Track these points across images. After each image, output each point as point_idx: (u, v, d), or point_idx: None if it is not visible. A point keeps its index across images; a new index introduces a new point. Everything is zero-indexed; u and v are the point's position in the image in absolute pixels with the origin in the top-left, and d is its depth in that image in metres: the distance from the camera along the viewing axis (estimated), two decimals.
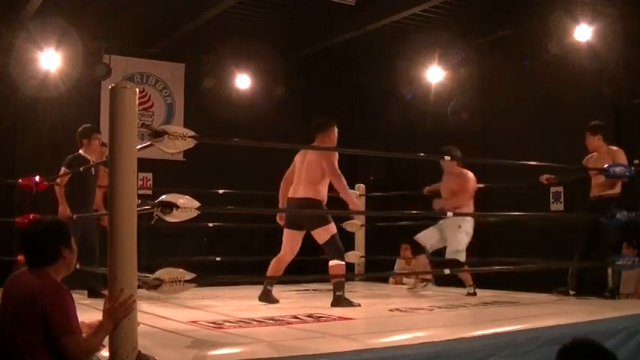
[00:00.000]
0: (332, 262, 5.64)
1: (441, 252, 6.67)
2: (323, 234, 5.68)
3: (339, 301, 5.43)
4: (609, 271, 6.24)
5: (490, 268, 6.20)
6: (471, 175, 6.70)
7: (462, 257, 6.52)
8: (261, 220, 9.42)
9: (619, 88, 7.96)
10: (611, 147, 6.19)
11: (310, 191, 5.71)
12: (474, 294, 6.38)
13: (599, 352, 2.36)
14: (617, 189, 6.11)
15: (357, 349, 3.43)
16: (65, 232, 3.15)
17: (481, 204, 7.27)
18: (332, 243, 5.67)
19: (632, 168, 5.81)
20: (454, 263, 6.35)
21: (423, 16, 9.43)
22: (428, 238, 6.71)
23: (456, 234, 6.54)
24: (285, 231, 5.91)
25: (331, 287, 5.61)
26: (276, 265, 5.84)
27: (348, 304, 5.43)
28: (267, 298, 5.66)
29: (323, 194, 5.75)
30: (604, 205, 6.06)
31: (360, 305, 5.48)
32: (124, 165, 3.12)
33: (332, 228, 5.71)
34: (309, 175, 5.76)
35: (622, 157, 6.02)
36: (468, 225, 6.57)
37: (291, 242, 5.87)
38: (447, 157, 6.24)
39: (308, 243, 5.95)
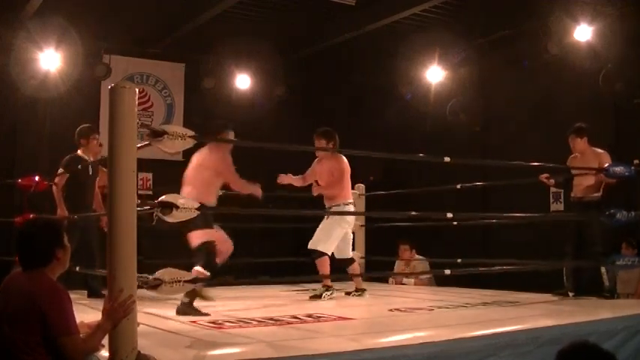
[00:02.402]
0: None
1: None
2: None
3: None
4: (603, 270, 6.22)
5: (490, 269, 6.19)
6: None
7: None
8: (262, 221, 9.41)
9: (619, 88, 7.96)
10: (595, 149, 6.19)
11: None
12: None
13: (598, 354, 2.33)
14: (600, 192, 6.11)
15: (357, 349, 3.43)
16: (58, 233, 3.14)
17: (481, 204, 7.28)
18: None
19: (632, 168, 5.81)
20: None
21: (423, 16, 9.43)
22: None
23: None
24: None
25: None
26: None
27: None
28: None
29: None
30: (585, 207, 6.07)
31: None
32: (123, 165, 3.12)
33: None
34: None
35: (608, 160, 6.03)
36: None
37: None
38: (447, 158, 6.23)
39: (307, 243, 5.95)
